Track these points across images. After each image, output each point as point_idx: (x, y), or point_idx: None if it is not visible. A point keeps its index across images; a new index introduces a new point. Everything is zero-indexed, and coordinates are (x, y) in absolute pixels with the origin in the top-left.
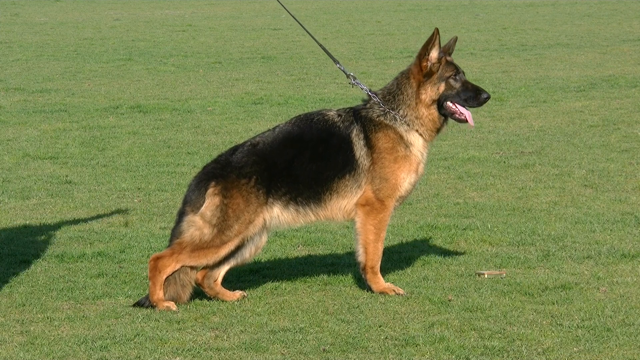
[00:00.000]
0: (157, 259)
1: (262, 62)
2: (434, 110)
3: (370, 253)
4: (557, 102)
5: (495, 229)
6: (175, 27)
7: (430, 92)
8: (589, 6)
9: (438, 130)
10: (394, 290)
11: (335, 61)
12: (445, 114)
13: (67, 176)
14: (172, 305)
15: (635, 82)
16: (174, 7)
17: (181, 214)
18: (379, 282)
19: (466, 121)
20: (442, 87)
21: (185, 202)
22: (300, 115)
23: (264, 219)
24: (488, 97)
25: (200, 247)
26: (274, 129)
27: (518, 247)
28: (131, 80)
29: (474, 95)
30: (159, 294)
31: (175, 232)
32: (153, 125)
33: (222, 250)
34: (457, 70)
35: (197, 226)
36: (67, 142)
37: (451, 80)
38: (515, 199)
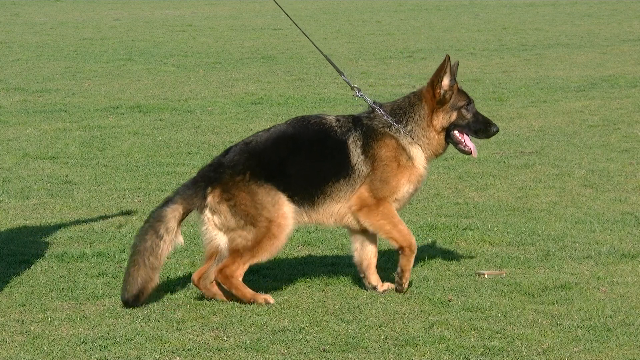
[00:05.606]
0: (222, 269)
1: (262, 62)
2: (442, 136)
3: (398, 237)
4: (557, 102)
5: (495, 229)
6: (175, 27)
7: (442, 120)
8: (589, 6)
9: (438, 155)
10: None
11: (340, 73)
12: (449, 142)
13: (67, 176)
14: (269, 298)
15: (635, 82)
16: (174, 7)
17: (168, 200)
18: (410, 263)
19: (470, 153)
20: (454, 116)
21: (176, 192)
22: (297, 117)
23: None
24: (497, 131)
25: (253, 246)
26: (269, 129)
27: (518, 247)
28: (131, 80)
29: (483, 128)
30: (247, 292)
31: (154, 214)
32: (153, 125)
33: (276, 240)
34: (468, 100)
35: (236, 236)
36: (67, 142)
37: (463, 110)
38: (515, 199)
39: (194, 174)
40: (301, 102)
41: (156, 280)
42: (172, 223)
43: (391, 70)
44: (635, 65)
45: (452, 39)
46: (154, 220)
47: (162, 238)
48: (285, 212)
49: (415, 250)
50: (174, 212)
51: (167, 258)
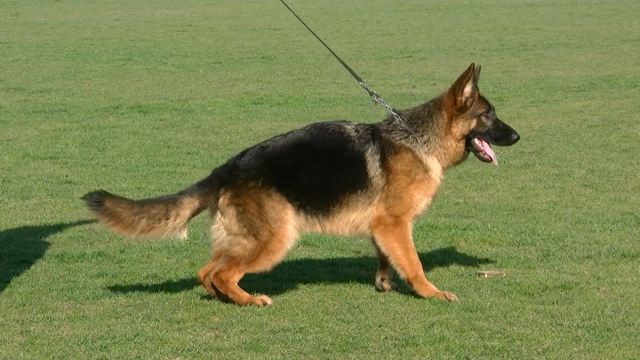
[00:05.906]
0: (218, 273)
1: (262, 62)
2: (462, 144)
3: (406, 267)
4: (557, 102)
5: (495, 229)
6: (175, 27)
7: (461, 127)
8: (589, 6)
9: (457, 163)
10: (445, 296)
11: (359, 79)
12: (469, 150)
13: (67, 176)
14: (266, 299)
15: (635, 82)
16: (174, 7)
17: (184, 192)
18: (428, 289)
19: (490, 161)
20: (474, 123)
21: (192, 188)
22: (316, 123)
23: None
24: (518, 138)
25: (251, 257)
26: (286, 134)
27: (518, 247)
28: (131, 80)
29: (504, 135)
30: (243, 296)
31: (170, 196)
32: (153, 125)
33: (273, 256)
34: (489, 107)
35: (236, 242)
36: (67, 142)
37: (483, 118)
38: (515, 199)
39: (198, 174)
40: (301, 102)
41: (116, 230)
42: (186, 212)
43: (391, 70)
44: (635, 65)
45: (452, 39)
46: (169, 201)
47: (167, 219)
48: (288, 231)
49: (424, 279)
50: (190, 204)
51: (155, 241)
